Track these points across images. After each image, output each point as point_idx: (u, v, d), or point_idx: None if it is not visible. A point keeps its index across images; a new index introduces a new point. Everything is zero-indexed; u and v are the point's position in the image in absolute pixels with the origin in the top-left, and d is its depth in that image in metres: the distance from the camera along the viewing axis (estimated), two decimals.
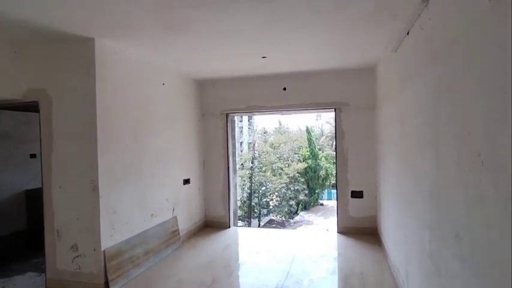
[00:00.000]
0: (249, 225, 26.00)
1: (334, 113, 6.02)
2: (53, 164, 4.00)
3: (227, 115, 6.44)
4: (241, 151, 33.25)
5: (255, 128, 34.46)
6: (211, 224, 6.53)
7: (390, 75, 4.10)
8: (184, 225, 5.78)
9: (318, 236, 6.18)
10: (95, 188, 3.85)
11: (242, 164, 29.23)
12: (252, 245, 5.59)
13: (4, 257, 4.89)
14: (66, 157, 3.96)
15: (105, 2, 2.85)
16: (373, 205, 5.82)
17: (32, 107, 4.22)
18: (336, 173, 6.07)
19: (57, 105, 3.97)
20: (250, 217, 27.20)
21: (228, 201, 6.48)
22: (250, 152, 30.74)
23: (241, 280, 4.26)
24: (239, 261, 4.76)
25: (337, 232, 6.00)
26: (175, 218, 5.44)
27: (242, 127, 35.74)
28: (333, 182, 28.74)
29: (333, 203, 29.77)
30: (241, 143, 35.17)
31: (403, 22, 3.18)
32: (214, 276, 4.28)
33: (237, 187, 7.96)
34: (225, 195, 6.48)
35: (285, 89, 6.08)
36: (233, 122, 7.43)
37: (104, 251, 3.90)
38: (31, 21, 3.24)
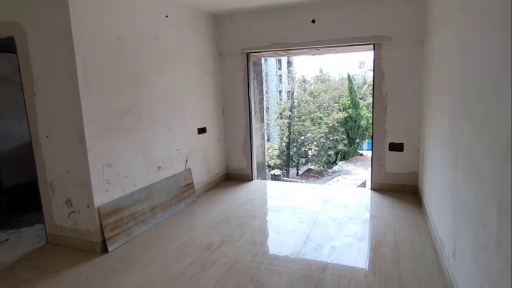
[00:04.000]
0: (287, 174, 25.73)
1: (372, 50, 4.89)
2: (37, 110, 3.45)
3: (248, 55, 5.51)
4: (280, 99, 32.15)
5: (294, 76, 32.86)
6: (233, 177, 5.93)
7: None
8: (201, 177, 5.21)
9: (349, 193, 5.38)
10: (82, 139, 3.27)
11: (281, 113, 28.33)
12: (273, 201, 4.94)
13: (17, 208, 4.65)
14: (49, 102, 3.38)
15: None
16: (415, 160, 4.84)
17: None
18: (372, 122, 5.08)
19: (34, 41, 3.32)
20: (289, 166, 26.83)
21: (250, 153, 5.79)
22: (289, 100, 29.59)
23: (253, 244, 3.66)
24: (254, 221, 4.15)
25: (371, 189, 5.15)
26: (188, 170, 4.87)
27: (281, 75, 34.25)
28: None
29: None
30: (280, 91, 33.92)
31: None
32: (224, 237, 3.71)
33: (265, 136, 7.23)
34: (247, 146, 5.78)
35: (313, 21, 4.98)
36: (258, 64, 6.51)
37: (98, 207, 3.42)
38: None
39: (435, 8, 3.67)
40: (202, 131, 5.22)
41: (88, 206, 3.41)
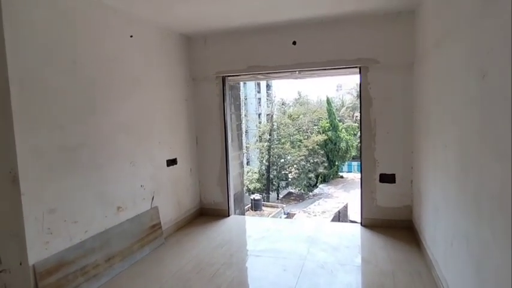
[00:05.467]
0: (268, 198, 25.06)
1: (358, 74, 4.49)
2: None
3: (224, 79, 5.01)
4: (260, 122, 31.87)
5: (273, 99, 32.78)
6: (207, 212, 5.29)
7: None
8: (170, 216, 4.55)
9: (338, 230, 4.84)
10: (15, 180, 2.61)
11: (260, 136, 27.97)
12: (252, 242, 4.32)
13: None
14: None
15: None
16: (408, 192, 4.39)
17: None
18: (360, 152, 4.63)
19: None
20: (269, 190, 26.22)
21: (226, 185, 5.19)
22: (269, 123, 29.34)
23: None
24: (230, 270, 3.51)
25: (361, 225, 4.63)
26: (155, 208, 4.22)
27: (260, 98, 34.12)
28: (353, 154, 27.20)
29: (353, 176, 28.30)
30: (259, 114, 33.68)
31: None
32: None
33: (244, 165, 6.66)
34: (223, 177, 5.19)
35: (294, 42, 4.56)
36: (235, 88, 6.02)
37: (33, 265, 2.72)
38: None
39: (431, 24, 3.28)
40: (172, 162, 4.61)
41: (21, 264, 2.71)
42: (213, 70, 4.96)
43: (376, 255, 3.74)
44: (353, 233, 4.51)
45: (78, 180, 3.12)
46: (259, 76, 5.01)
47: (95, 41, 3.32)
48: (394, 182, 4.44)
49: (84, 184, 3.18)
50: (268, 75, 4.93)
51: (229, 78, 5.06)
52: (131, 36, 3.81)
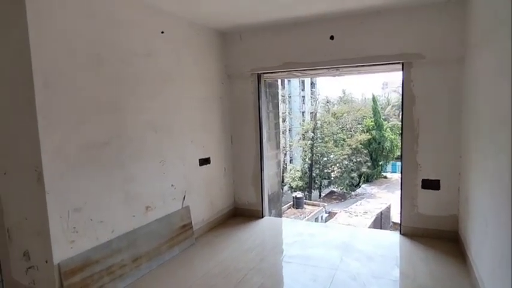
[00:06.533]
0: (310, 197, 24.51)
1: (401, 71, 3.98)
2: None
3: (259, 76, 4.73)
4: (303, 120, 31.24)
5: (317, 97, 31.96)
6: (241, 212, 5.06)
7: None
8: (202, 216, 4.37)
9: (374, 237, 4.37)
10: (40, 178, 2.55)
11: (303, 135, 27.40)
12: (284, 247, 4.02)
13: None
14: (7, 133, 2.71)
15: None
16: (455, 201, 3.81)
17: None
18: (402, 154, 4.12)
19: None
20: (311, 188, 25.65)
21: (260, 185, 4.92)
22: (312, 121, 28.65)
23: None
24: (257, 276, 3.24)
25: (400, 233, 4.13)
26: (186, 208, 4.06)
27: (304, 96, 33.43)
28: (398, 154, 25.74)
29: (397, 176, 26.77)
30: (303, 112, 33.02)
31: None
32: None
33: (279, 166, 6.35)
34: (257, 177, 4.92)
35: (332, 37, 4.15)
36: (273, 86, 5.71)
37: (58, 264, 2.65)
38: None
39: (485, 12, 2.74)
40: (205, 161, 4.43)
41: (46, 262, 2.65)
42: (248, 67, 4.70)
43: (415, 268, 3.27)
44: (391, 241, 4.04)
45: (104, 179, 3.01)
46: (295, 73, 4.66)
47: (122, 37, 3.19)
48: (439, 189, 3.88)
49: (111, 183, 3.08)
50: (305, 72, 4.56)
51: (264, 75, 4.77)
52: (162, 32, 3.66)
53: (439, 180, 3.90)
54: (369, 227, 14.03)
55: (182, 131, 4.01)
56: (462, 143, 3.65)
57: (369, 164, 25.71)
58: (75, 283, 2.74)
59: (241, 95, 4.85)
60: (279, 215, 6.14)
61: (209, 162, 4.50)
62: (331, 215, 19.60)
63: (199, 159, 4.33)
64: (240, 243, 4.04)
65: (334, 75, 4.67)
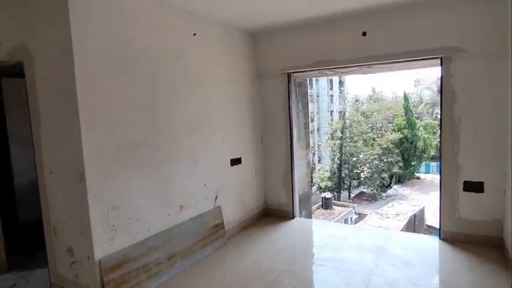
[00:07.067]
0: (339, 197, 24.11)
1: (440, 66, 3.80)
2: (42, 142, 2.93)
3: (289, 75, 4.70)
4: (332, 120, 30.80)
5: (345, 96, 31.37)
6: (272, 213, 5.04)
7: None
8: (233, 216, 4.39)
9: (411, 241, 4.21)
10: (82, 178, 2.65)
11: (332, 134, 27.01)
12: (315, 250, 3.95)
13: (35, 244, 4.12)
14: (52, 134, 2.85)
15: None
16: (500, 204, 3.59)
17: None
18: (440, 154, 3.94)
19: (40, 65, 2.82)
20: (340, 188, 25.22)
21: (291, 186, 4.89)
22: (341, 121, 28.17)
23: None
24: (289, 279, 3.20)
25: (440, 239, 3.94)
26: (218, 208, 4.10)
27: (332, 95, 32.94)
28: (432, 154, 24.74)
29: (431, 177, 25.76)
30: (331, 111, 32.54)
31: None
32: None
33: (309, 166, 6.28)
34: (288, 178, 4.88)
35: (364, 33, 4.03)
36: (302, 85, 5.66)
37: (99, 260, 2.75)
38: None
39: None
40: (236, 161, 4.45)
41: (88, 258, 2.76)
42: (278, 66, 4.68)
43: (458, 276, 3.09)
44: (429, 246, 3.86)
45: (140, 179, 3.09)
46: (325, 72, 4.57)
47: (156, 39, 3.26)
48: (482, 192, 3.67)
49: (146, 182, 3.15)
50: (336, 70, 4.47)
51: (294, 74, 4.72)
52: (194, 35, 3.71)
53: (482, 183, 3.69)
54: (401, 230, 13.57)
55: (214, 131, 4.06)
56: (507, 142, 3.44)
57: (401, 164, 24.90)
58: (114, 279, 2.83)
59: (271, 95, 4.84)
60: (309, 215, 6.07)
61: (240, 162, 4.52)
62: (361, 216, 19.17)
63: (231, 159, 4.36)
64: (271, 244, 4.02)
65: (366, 73, 4.53)
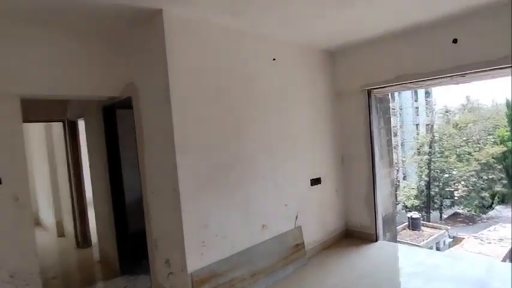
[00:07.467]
0: (428, 218, 22.03)
1: None
2: (145, 165, 3.37)
3: (369, 92, 4.59)
4: (418, 134, 28.54)
5: (433, 107, 28.84)
6: (352, 234, 4.88)
7: None
8: (313, 236, 4.38)
9: None
10: (177, 197, 2.97)
11: (418, 149, 24.99)
12: (401, 279, 3.71)
13: (144, 252, 4.65)
14: (153, 158, 3.26)
15: None
16: None
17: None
18: None
19: (144, 99, 3.29)
20: (429, 208, 23.03)
21: (374, 207, 4.69)
22: (428, 134, 25.92)
23: None
24: None
25: None
26: (298, 228, 4.14)
27: (418, 107, 30.60)
28: None
29: None
30: (417, 125, 30.19)
31: None
32: None
33: (393, 184, 5.94)
34: (370, 198, 4.70)
35: (455, 41, 3.71)
36: (384, 101, 5.44)
37: (191, 273, 3.01)
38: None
39: None
40: (316, 182, 4.46)
41: (182, 270, 3.04)
42: (358, 83, 4.61)
43: None
44: None
45: (226, 199, 3.32)
46: (409, 85, 4.35)
47: (240, 68, 3.53)
48: None
49: (231, 203, 3.37)
50: (420, 83, 4.21)
51: (375, 90, 4.60)
52: (274, 60, 3.90)
53: None
54: (505, 257, 11.81)
55: (293, 152, 4.15)
56: None
57: (504, 181, 21.73)
58: None
59: (351, 113, 4.77)
60: (394, 238, 5.71)
61: (320, 183, 4.52)
62: (456, 240, 17.16)
63: (311, 180, 4.39)
64: (352, 268, 3.90)
65: (458, 83, 4.16)
